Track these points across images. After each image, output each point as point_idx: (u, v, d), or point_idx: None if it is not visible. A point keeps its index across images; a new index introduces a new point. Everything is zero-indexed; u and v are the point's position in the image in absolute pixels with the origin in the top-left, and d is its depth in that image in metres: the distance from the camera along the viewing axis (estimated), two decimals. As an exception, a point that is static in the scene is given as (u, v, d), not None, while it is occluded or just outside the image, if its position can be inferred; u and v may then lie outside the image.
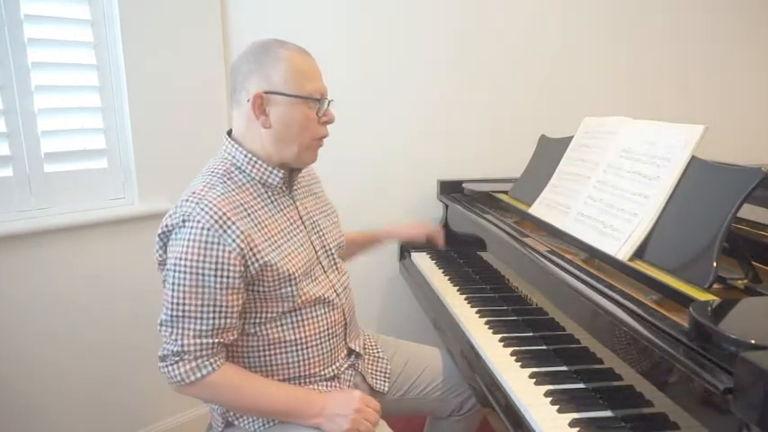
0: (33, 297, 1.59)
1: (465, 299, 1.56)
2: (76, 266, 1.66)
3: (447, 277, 1.74)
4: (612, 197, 1.26)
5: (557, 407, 1.01)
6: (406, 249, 2.06)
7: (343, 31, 2.04)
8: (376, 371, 1.37)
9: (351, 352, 1.30)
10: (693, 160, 1.12)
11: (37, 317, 1.61)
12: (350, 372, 1.28)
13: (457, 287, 1.65)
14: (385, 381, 1.36)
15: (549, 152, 1.67)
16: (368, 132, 2.14)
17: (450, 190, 2.05)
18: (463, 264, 1.86)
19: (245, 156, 1.14)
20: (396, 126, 2.17)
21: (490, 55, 2.21)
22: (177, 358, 1.06)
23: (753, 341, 0.71)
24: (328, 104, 1.17)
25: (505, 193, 1.82)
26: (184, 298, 1.04)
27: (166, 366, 1.07)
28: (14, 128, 1.55)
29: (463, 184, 2.03)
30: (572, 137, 1.57)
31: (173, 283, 1.05)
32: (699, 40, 2.43)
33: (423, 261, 1.93)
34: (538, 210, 1.53)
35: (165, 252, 1.09)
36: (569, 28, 2.28)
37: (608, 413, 0.99)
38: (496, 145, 2.27)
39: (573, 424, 0.96)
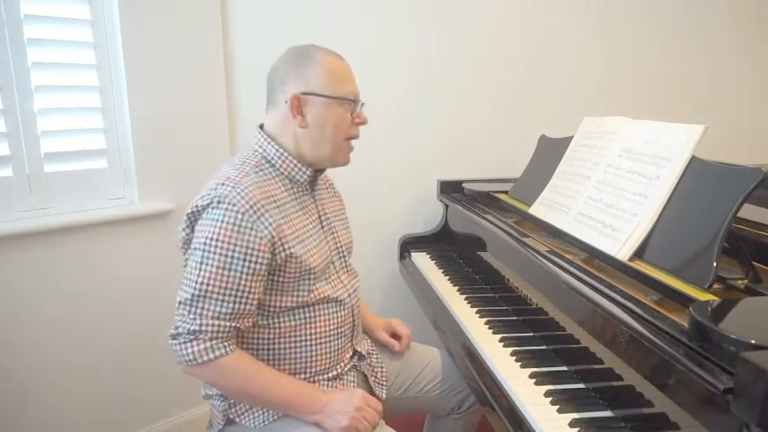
0: (33, 297, 1.59)
1: (465, 299, 1.56)
2: (76, 266, 1.66)
3: (447, 277, 1.74)
4: (612, 197, 1.26)
5: (557, 407, 1.01)
6: (405, 249, 2.06)
7: (343, 32, 2.04)
8: (375, 377, 1.37)
9: (355, 353, 1.31)
10: (693, 160, 1.12)
11: (37, 316, 1.60)
12: (352, 372, 1.29)
13: (457, 287, 1.65)
14: (383, 388, 1.36)
15: (549, 152, 1.67)
16: (367, 132, 2.13)
17: (451, 190, 2.05)
18: (463, 264, 1.86)
19: (277, 150, 1.17)
20: (396, 126, 2.16)
21: (491, 55, 2.21)
22: (192, 337, 1.06)
23: (753, 341, 0.71)
24: (361, 106, 1.22)
25: (505, 193, 1.82)
26: (209, 278, 1.05)
27: (179, 344, 1.07)
28: (14, 128, 1.55)
29: (463, 184, 2.03)
30: (572, 137, 1.58)
31: (200, 263, 1.06)
32: (698, 40, 2.43)
33: (423, 261, 1.93)
34: (538, 210, 1.53)
35: (192, 231, 1.11)
36: (570, 28, 2.28)
37: (608, 413, 0.99)
38: (496, 145, 2.28)
39: (573, 424, 0.96)
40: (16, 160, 1.56)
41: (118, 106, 1.71)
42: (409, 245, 2.07)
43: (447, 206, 2.04)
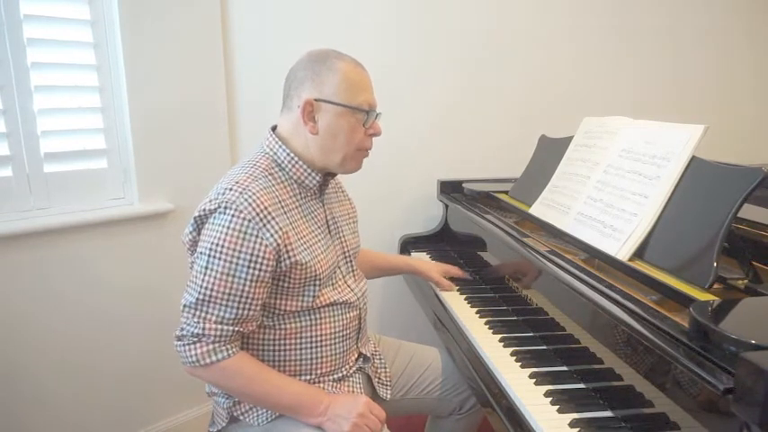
0: (33, 297, 1.59)
1: (465, 299, 1.56)
2: (76, 266, 1.66)
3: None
4: (612, 197, 1.26)
5: (557, 407, 1.01)
6: (405, 249, 2.06)
7: (342, 32, 2.04)
8: (379, 378, 1.37)
9: (360, 356, 1.31)
10: (693, 160, 1.12)
11: (37, 317, 1.60)
12: (357, 375, 1.29)
13: (457, 287, 1.65)
14: (387, 389, 1.37)
15: (549, 152, 1.67)
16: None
17: (451, 190, 2.05)
18: (463, 264, 1.86)
19: (288, 154, 1.16)
20: (396, 126, 2.16)
21: (490, 55, 2.21)
22: (195, 339, 1.07)
23: (753, 341, 0.71)
24: (376, 117, 1.20)
25: (505, 193, 1.82)
26: (214, 284, 1.06)
27: (183, 346, 1.08)
28: (14, 128, 1.54)
29: (463, 184, 2.03)
30: (572, 137, 1.57)
31: (205, 267, 1.06)
32: (699, 40, 2.43)
33: (423, 261, 1.92)
34: (538, 210, 1.53)
35: (199, 234, 1.11)
36: (570, 29, 2.28)
37: (608, 413, 0.99)
38: (496, 145, 2.27)
39: (573, 424, 0.96)
40: (16, 160, 1.56)
41: (118, 106, 1.71)
42: (409, 245, 2.07)
43: (447, 206, 2.04)
